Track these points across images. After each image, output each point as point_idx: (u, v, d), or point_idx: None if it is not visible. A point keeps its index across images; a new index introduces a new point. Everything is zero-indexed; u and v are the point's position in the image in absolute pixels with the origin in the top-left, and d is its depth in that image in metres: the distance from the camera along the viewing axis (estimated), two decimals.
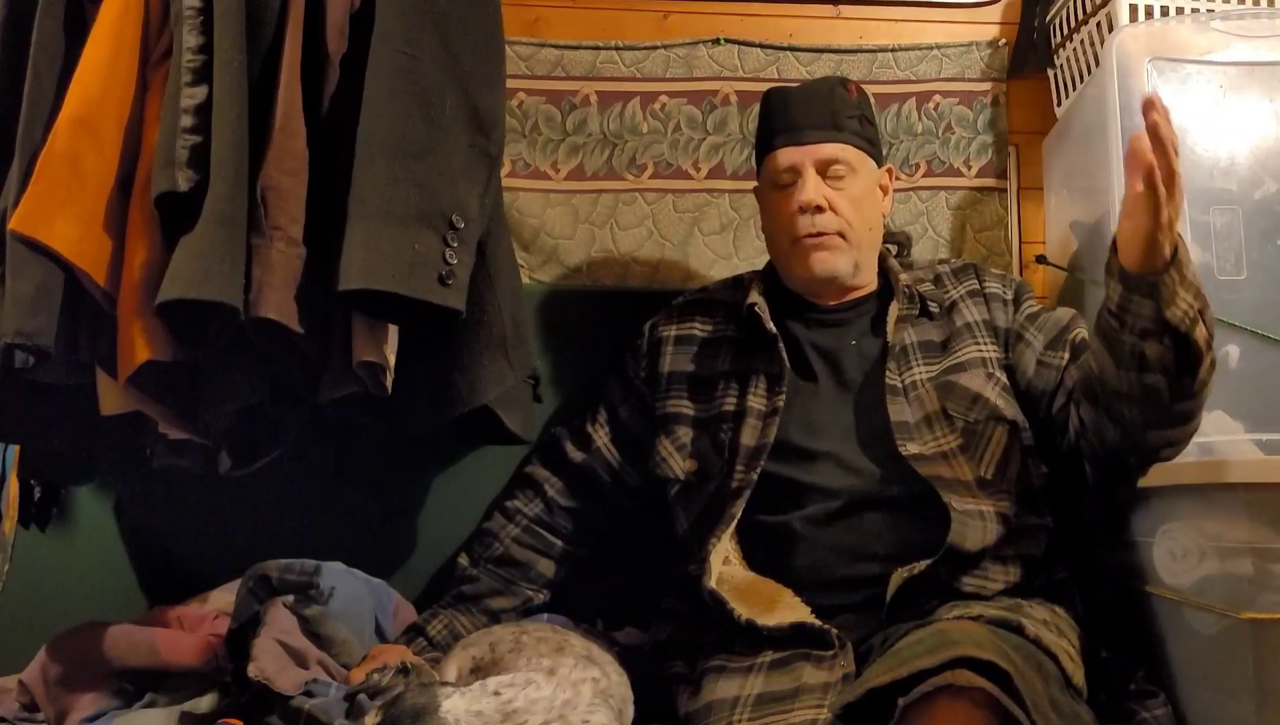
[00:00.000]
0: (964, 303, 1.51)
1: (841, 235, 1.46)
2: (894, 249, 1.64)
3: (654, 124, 1.90)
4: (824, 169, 1.46)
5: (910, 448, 1.38)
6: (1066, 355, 1.42)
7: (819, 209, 1.44)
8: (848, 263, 1.47)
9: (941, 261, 1.60)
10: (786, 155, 1.47)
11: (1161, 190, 1.12)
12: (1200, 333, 1.19)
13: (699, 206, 1.90)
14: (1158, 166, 1.12)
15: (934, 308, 1.49)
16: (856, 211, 1.46)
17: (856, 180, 1.47)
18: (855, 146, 1.48)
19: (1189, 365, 1.20)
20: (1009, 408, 1.43)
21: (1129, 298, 1.19)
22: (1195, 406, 1.25)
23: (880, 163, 1.54)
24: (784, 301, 1.53)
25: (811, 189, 1.45)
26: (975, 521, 1.33)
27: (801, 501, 1.39)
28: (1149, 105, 1.12)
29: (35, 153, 1.18)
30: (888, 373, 1.43)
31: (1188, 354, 1.19)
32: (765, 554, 1.39)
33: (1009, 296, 1.51)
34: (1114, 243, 1.21)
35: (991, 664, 1.05)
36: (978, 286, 1.53)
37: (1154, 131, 1.11)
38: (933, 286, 1.53)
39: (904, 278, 1.51)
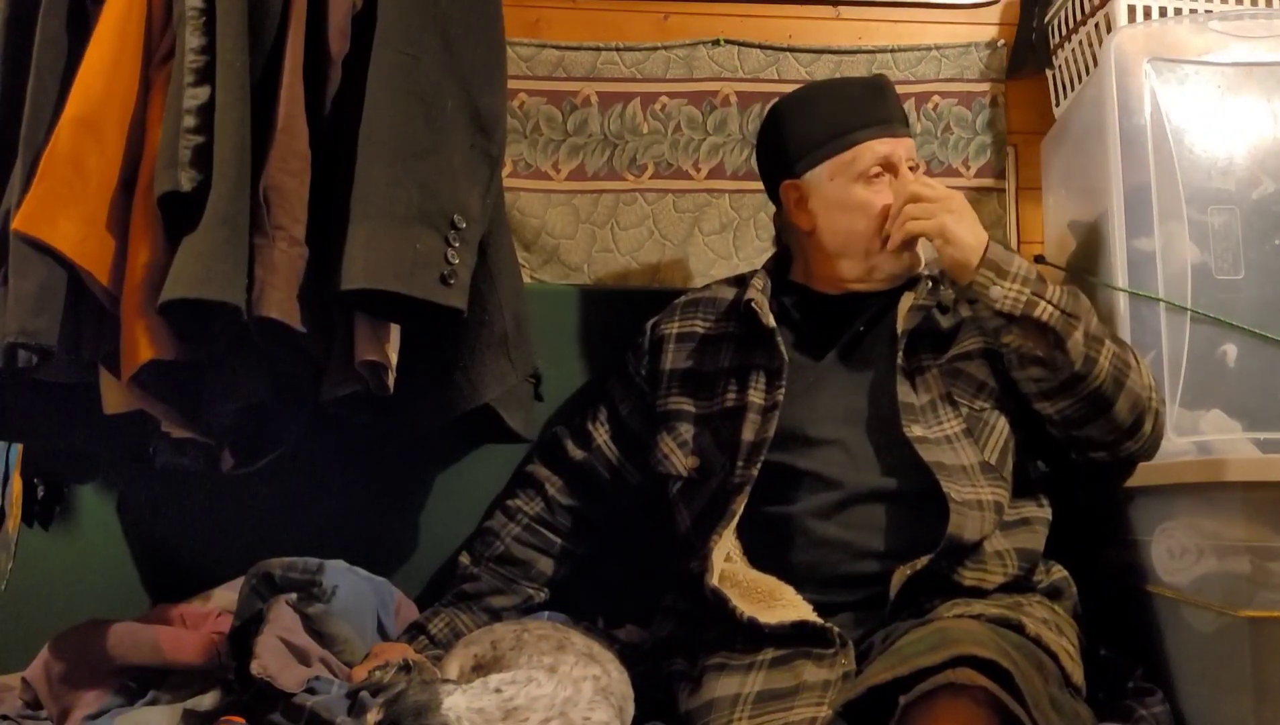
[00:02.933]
0: None
1: None
2: None
3: (654, 124, 1.91)
4: (906, 162, 1.46)
5: (915, 430, 1.37)
6: None
7: None
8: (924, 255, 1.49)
9: None
10: (883, 145, 1.44)
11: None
12: (1045, 311, 1.32)
13: (699, 206, 1.90)
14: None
15: (943, 303, 1.50)
16: None
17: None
18: None
19: (1056, 342, 1.32)
20: (1011, 399, 1.44)
21: (974, 308, 1.42)
22: (1096, 388, 1.34)
23: None
24: (791, 293, 1.53)
25: (913, 181, 1.43)
26: (974, 512, 1.33)
27: (803, 491, 1.39)
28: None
29: (38, 153, 1.18)
30: (897, 356, 1.43)
31: (1045, 332, 1.32)
32: (766, 551, 1.39)
33: None
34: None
35: (992, 662, 1.06)
36: None
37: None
38: (941, 281, 1.53)
39: (925, 270, 1.51)
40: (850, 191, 1.45)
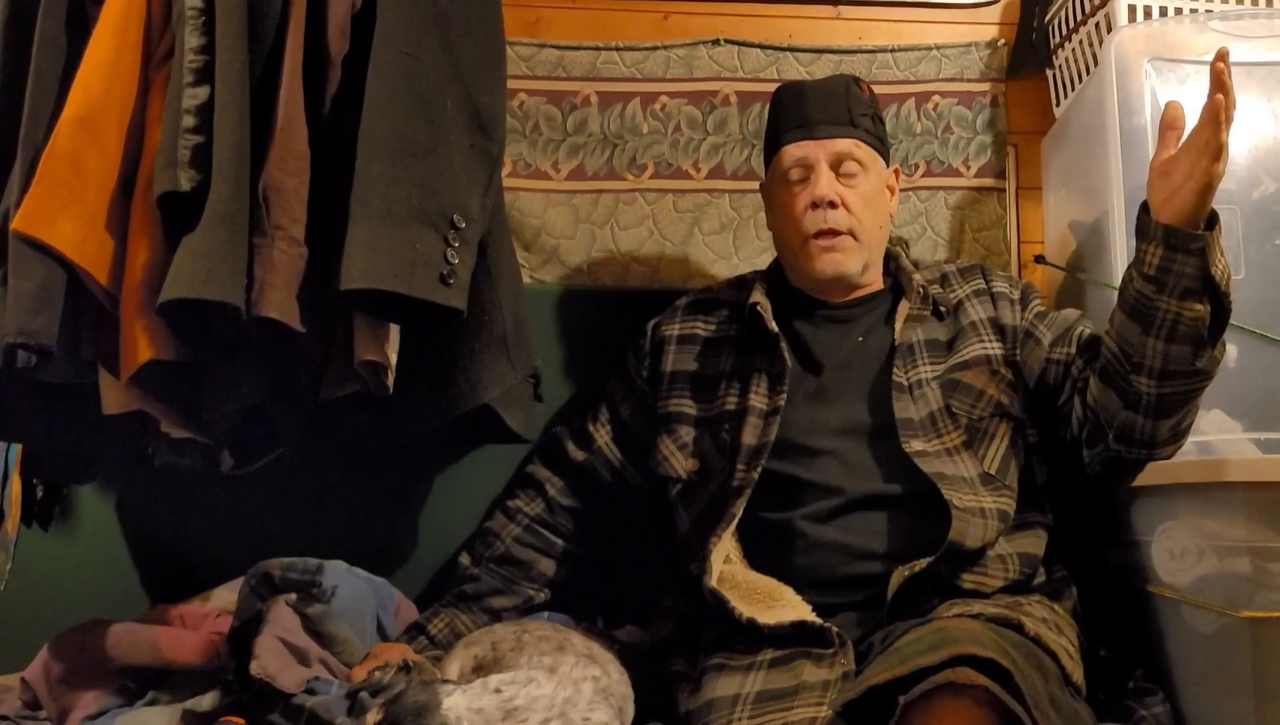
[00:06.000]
0: (969, 302, 1.51)
1: (852, 233, 1.46)
2: (905, 250, 1.64)
3: (654, 124, 1.91)
4: (837, 165, 1.46)
5: (914, 445, 1.38)
6: (1072, 350, 1.42)
7: (832, 205, 1.44)
8: (857, 262, 1.47)
9: (947, 261, 1.60)
10: (800, 149, 1.47)
11: (1224, 132, 1.16)
12: (1231, 296, 1.22)
13: (699, 206, 1.90)
14: (1225, 106, 1.15)
15: (942, 309, 1.50)
16: (868, 209, 1.46)
17: (868, 178, 1.47)
18: (867, 144, 1.48)
19: (1218, 330, 1.23)
20: (1013, 404, 1.44)
21: (1171, 258, 1.21)
22: (1201, 389, 1.27)
23: (888, 162, 1.54)
24: (789, 299, 1.53)
25: (825, 184, 1.44)
26: (976, 519, 1.33)
27: (802, 499, 1.39)
28: (1220, 57, 1.16)
29: (38, 152, 1.18)
30: (894, 370, 1.43)
31: (1220, 316, 1.22)
32: (766, 552, 1.39)
33: (1015, 296, 1.52)
34: (1144, 208, 1.24)
35: (992, 662, 1.05)
36: (984, 286, 1.53)
37: (1220, 78, 1.15)
38: (940, 287, 1.53)
39: (917, 278, 1.51)
40: (778, 193, 1.50)
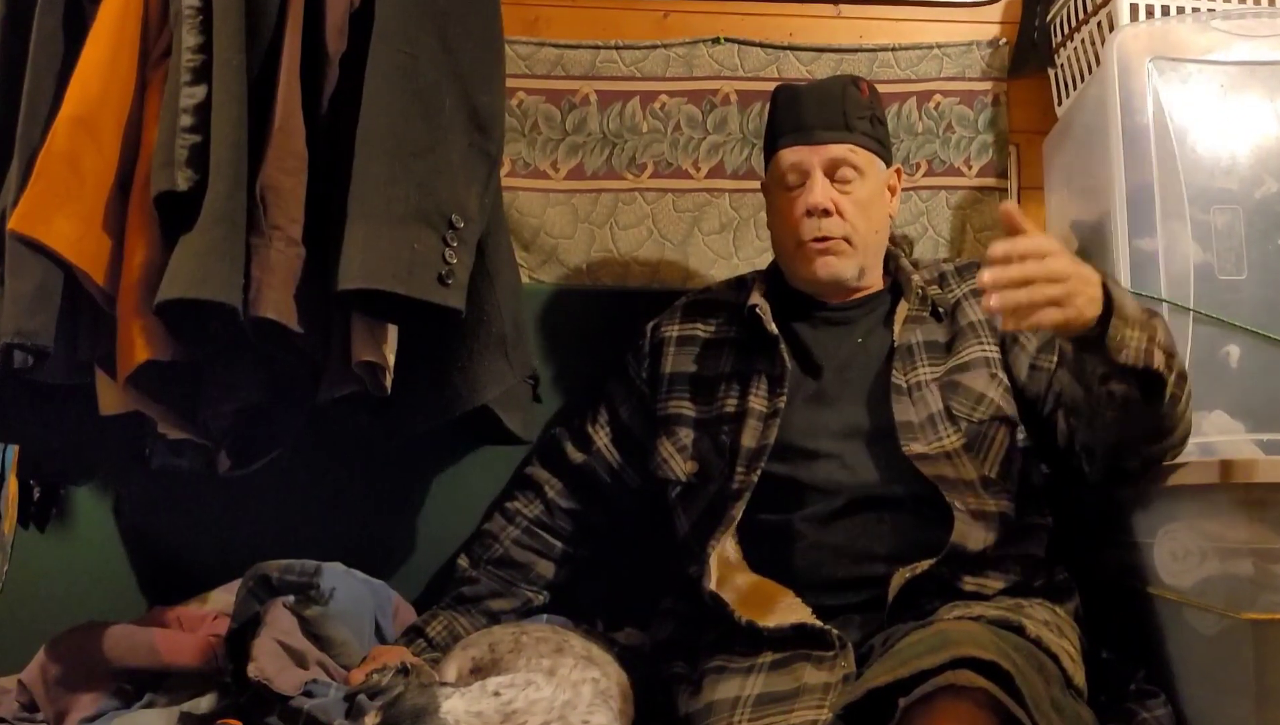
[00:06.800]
0: (967, 301, 1.50)
1: (847, 240, 1.45)
2: (907, 249, 1.64)
3: (654, 123, 1.90)
4: (832, 170, 1.45)
5: (914, 447, 1.37)
6: (1056, 358, 1.42)
7: (825, 212, 1.44)
8: (852, 267, 1.47)
9: (945, 260, 1.60)
10: (794, 155, 1.46)
11: (1043, 305, 1.11)
12: (1158, 358, 1.18)
13: (699, 206, 1.90)
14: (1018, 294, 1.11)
15: (940, 309, 1.49)
16: (863, 215, 1.46)
17: (864, 183, 1.46)
18: (865, 147, 1.47)
19: (1156, 390, 1.21)
20: (1011, 408, 1.43)
21: (1080, 356, 1.21)
22: (1178, 414, 1.26)
23: (889, 162, 1.53)
24: (789, 300, 1.52)
25: (819, 192, 1.44)
26: (978, 521, 1.33)
27: (802, 501, 1.39)
28: (1005, 214, 1.15)
29: (34, 152, 1.18)
30: (893, 372, 1.43)
31: (1151, 382, 1.20)
32: (766, 554, 1.38)
33: None
34: None
35: (993, 664, 1.05)
36: None
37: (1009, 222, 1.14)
38: (938, 287, 1.52)
39: (916, 279, 1.50)
40: (775, 197, 1.50)
